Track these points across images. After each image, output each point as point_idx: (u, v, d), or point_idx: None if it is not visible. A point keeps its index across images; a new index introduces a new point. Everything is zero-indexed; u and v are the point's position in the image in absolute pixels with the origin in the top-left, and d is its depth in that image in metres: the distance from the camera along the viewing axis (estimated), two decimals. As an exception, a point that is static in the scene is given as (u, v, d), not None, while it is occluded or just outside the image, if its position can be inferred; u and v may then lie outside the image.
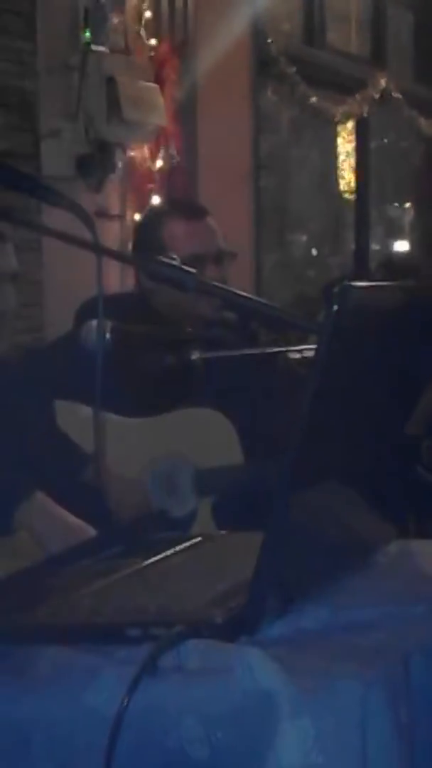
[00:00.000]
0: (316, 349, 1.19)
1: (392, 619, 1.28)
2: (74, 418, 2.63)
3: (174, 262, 1.80)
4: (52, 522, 2.15)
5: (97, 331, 1.88)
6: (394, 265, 5.49)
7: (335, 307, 1.17)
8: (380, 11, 6.67)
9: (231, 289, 1.77)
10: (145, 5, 4.40)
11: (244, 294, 1.90)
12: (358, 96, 6.19)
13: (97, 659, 1.20)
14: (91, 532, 2.17)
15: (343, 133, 6.21)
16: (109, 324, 2.48)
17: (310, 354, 2.69)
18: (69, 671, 1.19)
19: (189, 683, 1.15)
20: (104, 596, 1.37)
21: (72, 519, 2.19)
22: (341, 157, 6.24)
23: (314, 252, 6.61)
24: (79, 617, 1.31)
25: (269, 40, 5.38)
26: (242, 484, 2.69)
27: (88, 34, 4.05)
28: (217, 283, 1.77)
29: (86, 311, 2.85)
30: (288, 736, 1.08)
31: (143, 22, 4.36)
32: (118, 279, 3.89)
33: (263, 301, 1.75)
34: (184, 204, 3.32)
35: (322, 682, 1.11)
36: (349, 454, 1.39)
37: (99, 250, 1.83)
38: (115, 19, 4.23)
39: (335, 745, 1.07)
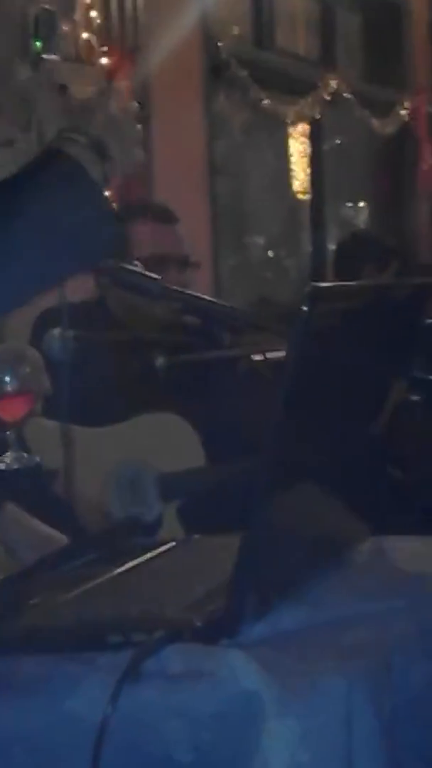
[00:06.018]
0: (287, 351, 1.19)
1: (371, 616, 1.29)
2: (36, 430, 2.62)
3: (137, 269, 1.80)
4: (25, 532, 2.14)
5: (63, 341, 1.88)
6: (358, 239, 5.41)
7: (304, 309, 1.18)
8: (329, 12, 6.69)
9: (197, 294, 1.77)
10: (94, 12, 4.39)
11: (210, 299, 1.90)
12: (309, 98, 6.21)
13: (78, 667, 1.20)
14: (65, 541, 2.16)
15: (295, 134, 6.22)
16: (72, 333, 2.47)
17: (273, 356, 2.70)
18: (50, 680, 1.19)
19: (172, 687, 1.15)
20: (82, 604, 1.37)
21: (45, 528, 2.19)
22: (293, 158, 6.25)
23: (270, 254, 6.61)
24: (58, 626, 1.30)
25: (219, 44, 5.39)
26: (206, 487, 2.69)
27: (38, 43, 4.04)
28: (182, 289, 1.77)
29: (45, 321, 2.84)
30: (274, 736, 1.08)
31: (93, 28, 4.35)
32: (76, 283, 3.87)
33: (229, 305, 1.75)
34: (157, 207, 3.27)
35: (305, 681, 1.11)
36: (322, 454, 1.40)
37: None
38: (65, 27, 4.22)
39: (321, 743, 1.07)
